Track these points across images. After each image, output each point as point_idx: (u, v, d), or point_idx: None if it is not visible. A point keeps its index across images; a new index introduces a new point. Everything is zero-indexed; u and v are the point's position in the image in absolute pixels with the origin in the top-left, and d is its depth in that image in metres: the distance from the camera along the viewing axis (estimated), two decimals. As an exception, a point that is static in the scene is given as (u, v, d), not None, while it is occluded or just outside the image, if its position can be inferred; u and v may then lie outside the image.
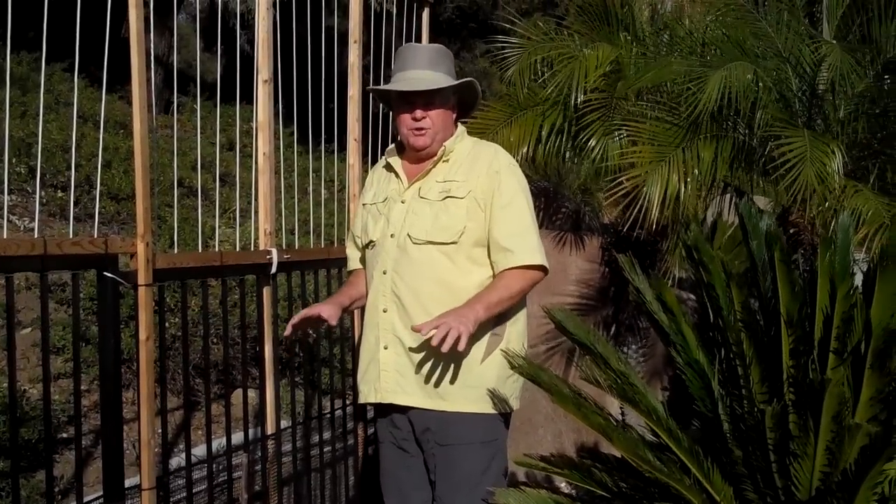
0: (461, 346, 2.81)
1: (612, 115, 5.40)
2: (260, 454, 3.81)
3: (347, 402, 4.54)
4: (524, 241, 3.07)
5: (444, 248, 3.08)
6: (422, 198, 3.16)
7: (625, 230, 5.17)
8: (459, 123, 3.33)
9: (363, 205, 3.40)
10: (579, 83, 5.28)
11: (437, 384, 3.06)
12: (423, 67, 3.16)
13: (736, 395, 2.76)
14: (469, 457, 3.09)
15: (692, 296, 5.55)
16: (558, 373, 4.96)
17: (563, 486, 5.21)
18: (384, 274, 3.16)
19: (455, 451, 3.09)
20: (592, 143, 5.42)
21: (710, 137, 5.03)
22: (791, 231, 5.12)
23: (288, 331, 3.21)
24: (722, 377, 2.82)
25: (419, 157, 3.24)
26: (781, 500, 2.69)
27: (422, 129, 3.17)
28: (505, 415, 3.16)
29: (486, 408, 3.08)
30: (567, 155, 5.81)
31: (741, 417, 2.74)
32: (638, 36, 5.78)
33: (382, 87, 3.27)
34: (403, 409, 3.16)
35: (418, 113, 3.15)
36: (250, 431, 3.86)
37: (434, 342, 2.79)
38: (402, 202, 3.20)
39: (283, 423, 4.09)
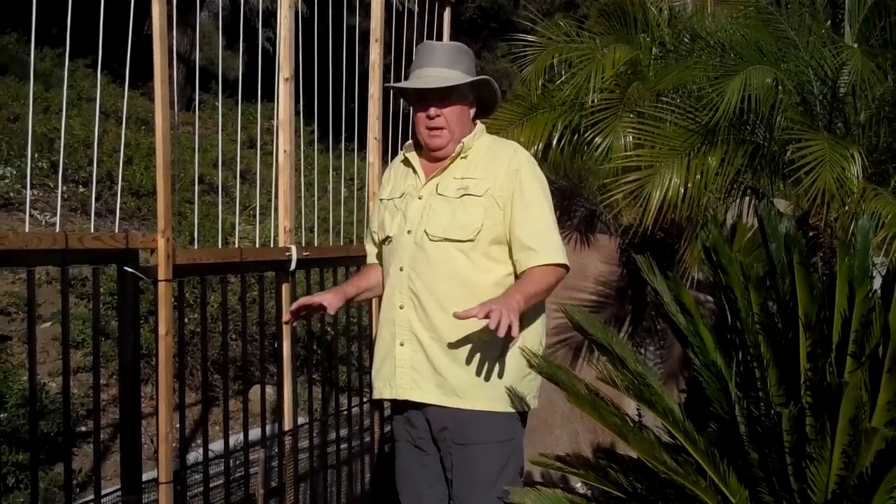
0: (514, 332, 2.79)
1: (622, 116, 5.40)
2: (277, 450, 3.83)
3: (364, 399, 4.55)
4: (547, 240, 3.08)
5: (461, 245, 3.08)
6: (440, 194, 3.16)
7: (640, 232, 5.17)
8: (479, 122, 3.32)
9: (380, 200, 3.41)
10: (595, 84, 5.29)
11: (453, 381, 3.06)
12: (440, 65, 3.16)
13: (753, 398, 2.76)
14: (486, 456, 3.08)
15: (710, 298, 5.54)
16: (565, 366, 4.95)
17: (578, 486, 5.21)
18: (401, 270, 3.16)
19: (472, 450, 3.09)
20: (598, 140, 5.43)
21: (722, 142, 5.03)
22: (810, 234, 5.10)
23: (286, 317, 3.29)
24: (739, 379, 2.82)
25: (437, 154, 3.24)
26: (797, 502, 2.69)
27: (437, 128, 3.17)
28: (521, 414, 3.15)
29: (503, 406, 3.07)
30: (584, 156, 5.83)
31: (758, 420, 2.73)
32: (656, 38, 5.78)
33: (398, 84, 3.31)
34: (420, 407, 3.16)
35: (432, 111, 3.16)
36: (267, 427, 3.88)
37: (492, 325, 2.74)
38: (420, 198, 3.20)
39: (301, 420, 4.11)
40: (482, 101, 3.31)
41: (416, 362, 3.12)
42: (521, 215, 3.07)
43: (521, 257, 3.08)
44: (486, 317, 2.76)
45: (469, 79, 3.17)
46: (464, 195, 3.11)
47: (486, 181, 3.11)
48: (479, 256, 3.09)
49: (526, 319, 3.09)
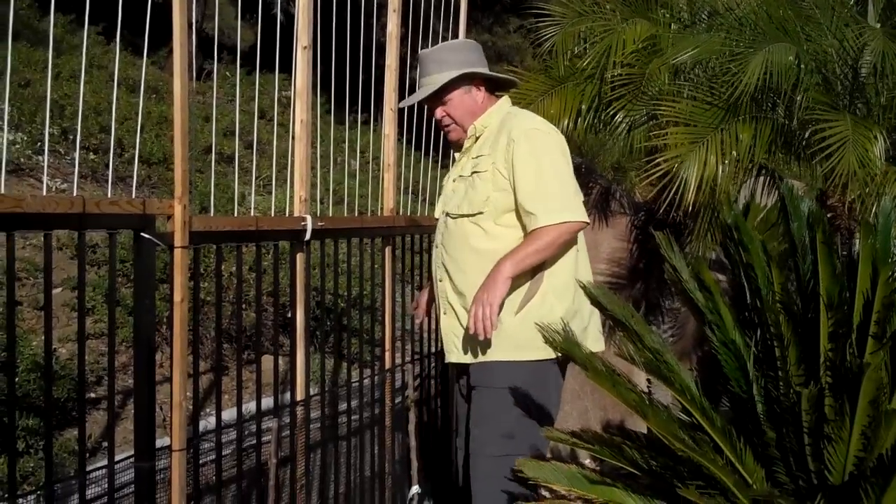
0: (491, 325, 3.19)
1: (643, 93, 5.37)
2: (288, 420, 3.83)
3: (375, 371, 4.55)
4: (542, 203, 3.28)
5: (474, 218, 3.40)
6: (460, 176, 3.52)
7: (660, 211, 5.14)
8: (502, 97, 3.61)
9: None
10: (613, 57, 5.27)
11: (478, 339, 3.31)
12: (430, 73, 3.55)
13: (771, 377, 2.74)
14: (488, 399, 3.41)
15: (722, 277, 5.51)
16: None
17: (587, 462, 5.21)
18: (437, 248, 3.63)
19: (478, 392, 3.46)
20: (619, 118, 5.42)
21: (749, 119, 4.99)
22: (828, 215, 5.07)
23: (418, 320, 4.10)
24: (757, 358, 2.81)
25: (457, 144, 3.61)
26: (814, 483, 2.67)
27: (446, 125, 3.60)
28: (536, 362, 3.35)
29: (513, 355, 3.35)
30: (599, 131, 5.80)
31: (776, 399, 2.72)
32: (675, 14, 5.73)
33: (400, 104, 4.00)
34: (461, 364, 3.54)
35: (437, 113, 3.59)
36: (279, 397, 3.88)
37: (472, 331, 3.22)
38: (453, 181, 3.58)
39: (312, 391, 4.10)
40: (489, 78, 3.60)
41: (454, 328, 3.50)
42: (518, 183, 3.31)
43: (525, 222, 3.33)
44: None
45: (441, 82, 3.47)
46: (473, 172, 3.42)
47: (492, 156, 3.38)
48: (491, 226, 3.38)
49: (546, 272, 3.36)
